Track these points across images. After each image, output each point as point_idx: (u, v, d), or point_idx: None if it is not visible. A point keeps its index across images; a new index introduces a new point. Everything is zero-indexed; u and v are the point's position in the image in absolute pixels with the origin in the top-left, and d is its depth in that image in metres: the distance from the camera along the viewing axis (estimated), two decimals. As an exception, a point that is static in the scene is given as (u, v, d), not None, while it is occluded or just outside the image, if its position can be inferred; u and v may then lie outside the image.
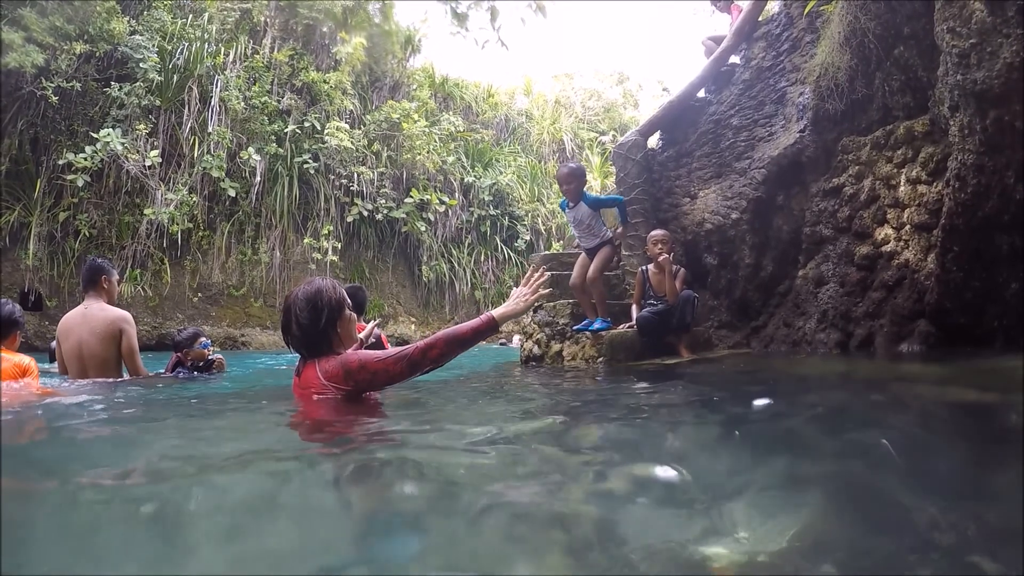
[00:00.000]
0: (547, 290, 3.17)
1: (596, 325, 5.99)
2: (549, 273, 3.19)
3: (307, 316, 2.80)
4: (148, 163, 12.88)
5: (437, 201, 17.12)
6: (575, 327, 6.21)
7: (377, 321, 4.78)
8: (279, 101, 15.59)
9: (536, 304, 3.21)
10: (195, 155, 13.80)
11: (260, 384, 5.35)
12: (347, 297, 2.97)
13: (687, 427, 2.71)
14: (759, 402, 2.92)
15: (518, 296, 3.06)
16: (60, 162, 12.32)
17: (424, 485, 1.73)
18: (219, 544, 1.28)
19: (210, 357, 5.59)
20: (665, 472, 1.79)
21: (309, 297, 2.83)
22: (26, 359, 4.33)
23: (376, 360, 2.75)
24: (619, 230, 6.48)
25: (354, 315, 3.03)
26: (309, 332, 2.82)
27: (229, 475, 1.78)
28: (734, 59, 7.29)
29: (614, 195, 6.63)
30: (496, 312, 2.96)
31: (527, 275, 3.14)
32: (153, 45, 13.62)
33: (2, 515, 1.37)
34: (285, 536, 1.33)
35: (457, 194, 18.20)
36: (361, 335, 4.06)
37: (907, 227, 5.01)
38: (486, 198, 18.60)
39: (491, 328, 2.91)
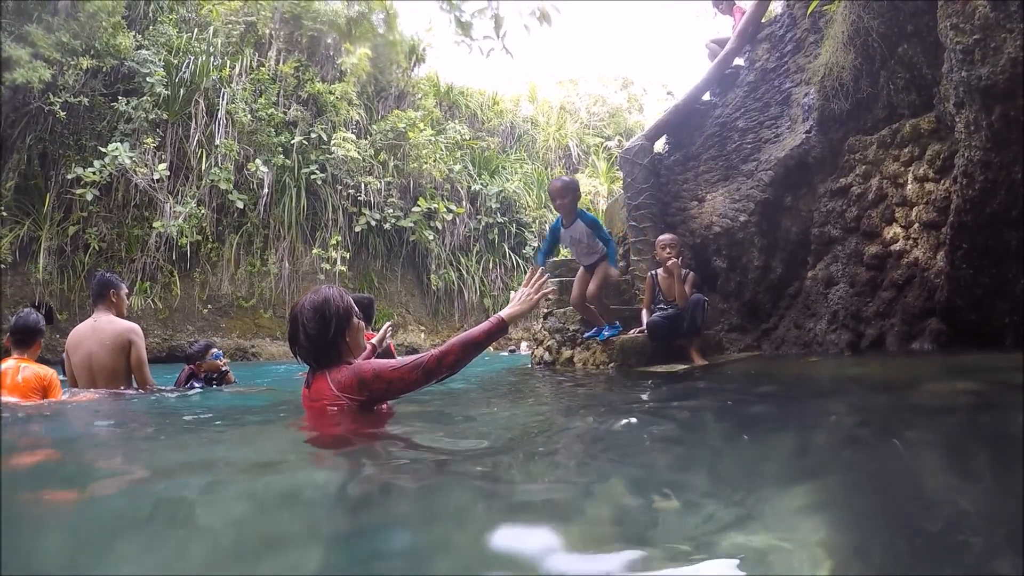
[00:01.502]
0: (550, 289, 3.17)
1: (606, 333, 5.98)
2: (548, 275, 3.19)
3: (315, 326, 2.74)
4: (156, 176, 12.96)
5: (444, 209, 17.15)
6: (585, 334, 6.20)
7: (391, 323, 4.71)
8: (285, 113, 15.66)
9: (542, 304, 3.18)
10: (203, 168, 13.88)
11: (275, 396, 5.34)
12: (354, 305, 2.92)
13: (695, 434, 2.71)
14: (774, 407, 2.91)
15: (523, 297, 3.05)
16: (69, 176, 12.40)
17: (442, 494, 1.73)
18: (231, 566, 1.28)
19: (223, 369, 5.61)
20: (689, 480, 1.79)
21: (316, 307, 2.77)
22: (49, 372, 4.38)
23: (391, 369, 2.71)
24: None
25: (362, 323, 2.99)
26: (317, 342, 2.76)
27: (240, 492, 1.78)
28: (738, 61, 7.29)
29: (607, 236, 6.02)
30: (504, 313, 2.95)
31: (528, 276, 3.13)
32: (159, 59, 13.73)
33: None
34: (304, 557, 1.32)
35: (464, 202, 18.22)
36: (374, 340, 4.04)
37: (915, 225, 5.00)
38: (493, 206, 18.62)
39: (501, 329, 2.89)
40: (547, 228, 18.66)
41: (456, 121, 19.64)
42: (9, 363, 4.31)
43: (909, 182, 5.06)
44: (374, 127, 16.95)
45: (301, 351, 2.81)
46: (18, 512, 1.52)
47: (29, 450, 2.62)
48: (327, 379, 2.72)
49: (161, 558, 1.26)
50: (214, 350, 5.63)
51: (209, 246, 14.26)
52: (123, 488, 1.88)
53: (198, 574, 1.19)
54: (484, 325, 2.87)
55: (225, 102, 14.34)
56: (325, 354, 2.79)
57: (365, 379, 2.68)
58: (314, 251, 15.30)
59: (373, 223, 16.15)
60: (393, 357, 5.36)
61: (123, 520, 1.52)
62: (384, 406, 2.90)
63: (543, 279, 3.09)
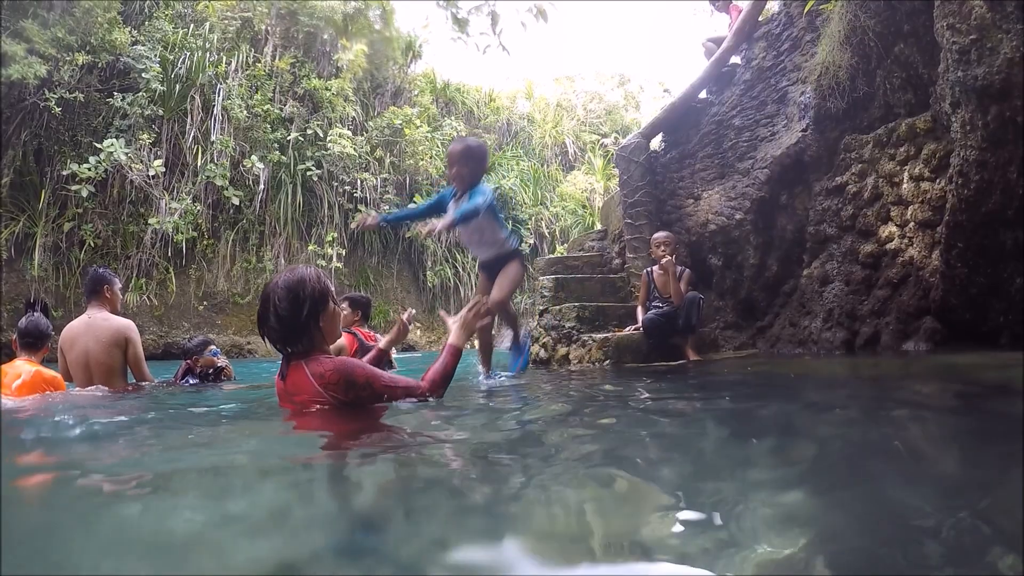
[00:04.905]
0: (487, 320, 3.39)
1: (519, 364, 5.33)
2: (486, 297, 3.47)
3: (287, 307, 2.59)
4: (152, 173, 12.94)
5: (440, 206, 17.13)
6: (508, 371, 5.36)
7: (413, 311, 4.12)
8: (281, 109, 15.63)
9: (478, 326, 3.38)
10: (198, 164, 13.86)
11: (269, 392, 5.32)
12: (332, 289, 2.79)
13: (690, 433, 2.71)
14: (768, 406, 2.90)
15: (465, 321, 3.17)
16: (64, 173, 12.38)
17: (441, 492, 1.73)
18: None
19: (219, 365, 5.61)
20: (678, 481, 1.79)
21: (290, 287, 2.62)
22: (54, 373, 4.42)
23: (384, 384, 2.67)
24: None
25: (339, 310, 2.89)
26: (288, 324, 2.62)
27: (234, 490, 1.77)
28: (735, 60, 7.29)
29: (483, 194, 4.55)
30: (455, 342, 3.06)
31: (471, 303, 3.25)
32: (155, 55, 13.69)
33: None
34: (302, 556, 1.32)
35: (460, 199, 18.18)
36: (382, 344, 3.82)
37: (911, 224, 5.01)
38: (489, 202, 18.60)
39: (460, 355, 3.04)
40: (543, 225, 18.73)
41: (452, 118, 19.63)
42: (15, 363, 4.33)
43: (905, 181, 5.07)
44: (370, 124, 16.94)
45: (270, 333, 2.67)
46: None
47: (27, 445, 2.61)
48: (305, 371, 2.61)
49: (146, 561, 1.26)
50: (212, 346, 5.63)
51: (205, 243, 14.25)
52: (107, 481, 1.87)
53: (191, 574, 1.19)
54: (448, 358, 2.97)
55: (221, 98, 14.31)
56: (296, 338, 2.66)
57: (355, 383, 2.60)
58: (310, 248, 15.29)
59: (369, 220, 16.14)
60: (391, 363, 5.29)
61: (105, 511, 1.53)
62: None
63: (483, 309, 3.26)
